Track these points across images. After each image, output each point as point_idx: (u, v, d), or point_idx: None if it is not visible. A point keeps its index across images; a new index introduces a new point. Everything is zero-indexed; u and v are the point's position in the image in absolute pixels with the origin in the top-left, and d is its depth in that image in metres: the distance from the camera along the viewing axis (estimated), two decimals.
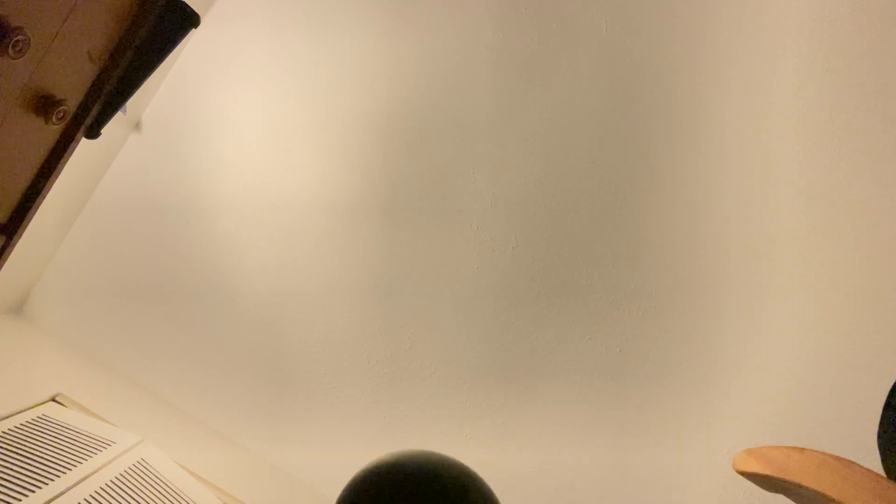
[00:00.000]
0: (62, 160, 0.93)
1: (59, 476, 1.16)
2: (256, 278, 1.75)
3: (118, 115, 1.63)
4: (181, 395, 1.74)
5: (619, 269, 1.60)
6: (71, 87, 0.88)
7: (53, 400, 1.46)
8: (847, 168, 1.49)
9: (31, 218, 0.93)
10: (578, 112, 1.63)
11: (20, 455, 1.17)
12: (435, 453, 0.67)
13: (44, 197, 0.93)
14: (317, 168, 1.73)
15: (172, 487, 1.33)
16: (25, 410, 1.34)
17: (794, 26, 1.52)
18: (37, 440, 1.24)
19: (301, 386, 1.71)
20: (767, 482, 0.62)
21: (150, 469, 1.34)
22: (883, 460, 0.68)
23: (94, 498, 1.16)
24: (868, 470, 0.52)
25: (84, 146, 1.00)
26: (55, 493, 1.11)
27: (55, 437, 1.28)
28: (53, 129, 0.89)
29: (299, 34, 1.74)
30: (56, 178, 0.94)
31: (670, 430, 1.57)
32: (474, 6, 1.66)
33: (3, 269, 0.98)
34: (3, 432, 1.21)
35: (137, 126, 1.79)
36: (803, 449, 0.57)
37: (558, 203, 1.64)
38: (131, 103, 1.68)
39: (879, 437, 0.70)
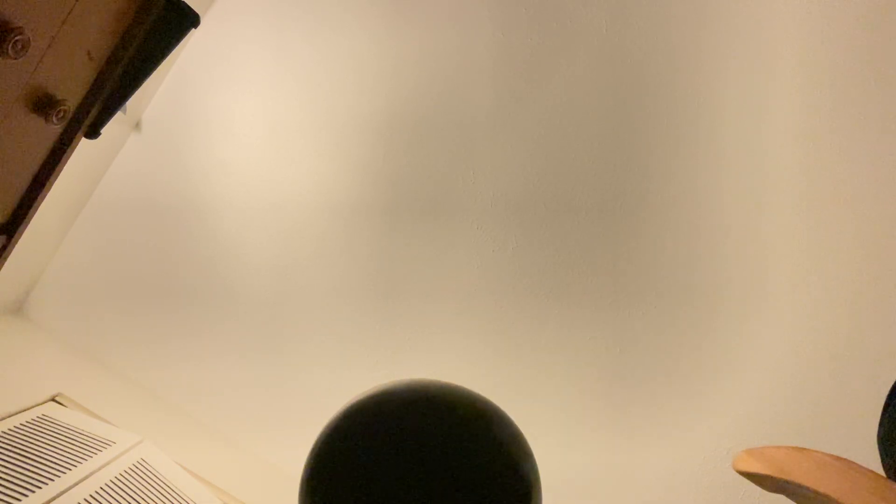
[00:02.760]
0: (62, 160, 0.93)
1: (59, 476, 1.15)
2: (257, 278, 1.74)
3: (118, 115, 1.63)
4: (181, 394, 1.74)
5: (619, 268, 1.60)
6: (71, 87, 0.88)
7: (53, 400, 1.46)
8: (846, 168, 1.49)
9: (31, 218, 0.93)
10: (578, 112, 1.63)
11: (20, 455, 1.17)
12: (445, 383, 0.59)
13: (44, 197, 0.93)
14: (317, 168, 1.73)
15: (172, 487, 1.33)
16: (25, 410, 1.34)
17: (793, 26, 1.52)
18: (37, 440, 1.24)
19: (301, 386, 1.71)
20: (767, 482, 0.62)
21: (150, 469, 1.34)
22: (883, 460, 0.68)
23: (94, 498, 1.16)
24: (868, 470, 0.52)
25: (84, 146, 1.00)
26: (55, 493, 1.11)
27: (55, 437, 1.28)
28: (53, 129, 0.89)
29: (299, 34, 1.74)
30: (56, 178, 0.94)
31: (671, 429, 1.57)
32: (474, 6, 1.66)
33: (3, 269, 0.98)
34: (3, 432, 1.21)
35: (137, 126, 1.79)
36: (803, 449, 0.57)
37: (558, 203, 1.64)
38: (131, 103, 1.68)
39: (879, 437, 0.69)
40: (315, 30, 1.73)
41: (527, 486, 0.52)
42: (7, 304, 1.74)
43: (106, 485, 1.21)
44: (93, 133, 0.96)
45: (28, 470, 1.14)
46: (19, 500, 1.05)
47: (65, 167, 0.94)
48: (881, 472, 0.65)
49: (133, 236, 1.78)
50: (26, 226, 0.93)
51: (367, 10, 1.71)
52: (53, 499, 1.10)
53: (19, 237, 0.93)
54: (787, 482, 0.57)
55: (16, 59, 0.75)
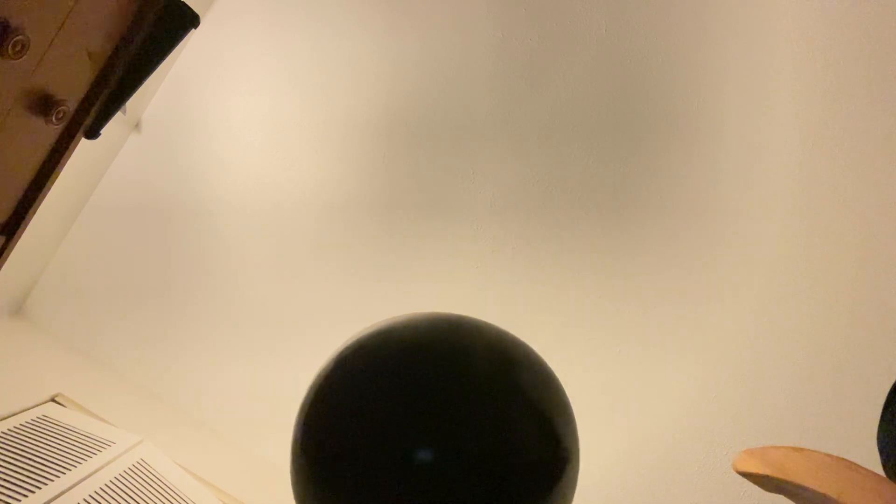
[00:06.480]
0: (62, 160, 0.93)
1: (58, 476, 1.15)
2: (256, 278, 1.74)
3: (118, 116, 1.63)
4: (181, 394, 1.74)
5: (619, 269, 1.60)
6: (71, 87, 0.88)
7: (53, 400, 1.46)
8: (846, 169, 1.49)
9: (31, 218, 0.93)
10: (578, 112, 1.63)
11: (20, 455, 1.17)
12: (458, 317, 0.50)
13: (44, 197, 0.93)
14: (317, 168, 1.73)
15: (172, 487, 1.33)
16: (25, 411, 1.34)
17: (793, 25, 1.52)
18: (36, 440, 1.24)
19: (301, 386, 1.71)
20: (767, 482, 0.62)
21: (150, 469, 1.34)
22: (883, 461, 0.68)
23: (93, 498, 1.16)
24: (868, 470, 0.52)
25: (84, 146, 1.00)
26: (55, 494, 1.11)
27: (55, 438, 1.28)
28: (53, 129, 0.89)
29: (299, 34, 1.74)
30: (56, 178, 0.94)
31: (672, 431, 1.57)
32: (474, 6, 1.66)
33: (3, 269, 0.98)
34: (3, 432, 1.21)
35: (137, 126, 1.79)
36: (803, 449, 0.57)
37: (558, 203, 1.64)
38: (131, 103, 1.67)
39: (879, 437, 0.69)
40: (315, 30, 1.73)
41: (564, 457, 0.45)
42: (7, 305, 1.74)
43: (106, 485, 1.21)
44: (93, 133, 0.96)
45: (28, 470, 1.14)
46: (19, 500, 1.05)
47: (64, 167, 0.94)
48: (881, 472, 0.65)
49: (133, 236, 1.78)
50: (26, 226, 0.93)
51: (367, 10, 1.71)
52: (53, 499, 1.09)
53: (19, 237, 0.93)
54: (786, 482, 0.57)
55: (16, 59, 0.75)
